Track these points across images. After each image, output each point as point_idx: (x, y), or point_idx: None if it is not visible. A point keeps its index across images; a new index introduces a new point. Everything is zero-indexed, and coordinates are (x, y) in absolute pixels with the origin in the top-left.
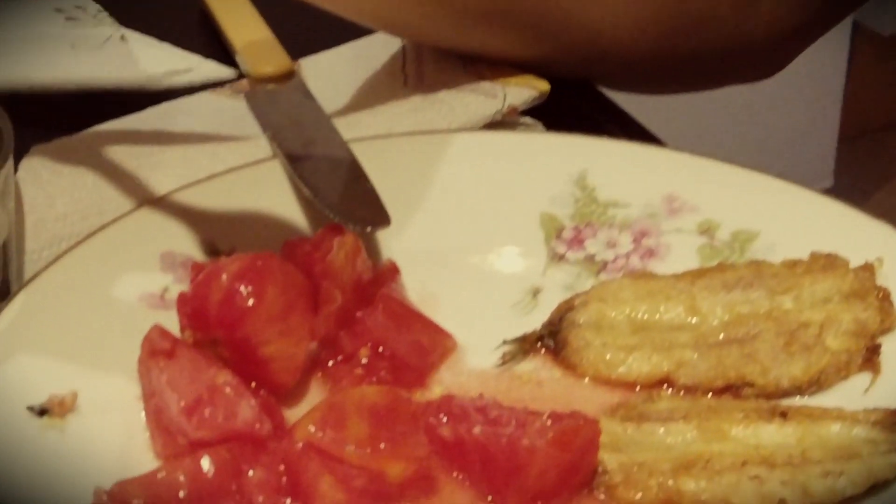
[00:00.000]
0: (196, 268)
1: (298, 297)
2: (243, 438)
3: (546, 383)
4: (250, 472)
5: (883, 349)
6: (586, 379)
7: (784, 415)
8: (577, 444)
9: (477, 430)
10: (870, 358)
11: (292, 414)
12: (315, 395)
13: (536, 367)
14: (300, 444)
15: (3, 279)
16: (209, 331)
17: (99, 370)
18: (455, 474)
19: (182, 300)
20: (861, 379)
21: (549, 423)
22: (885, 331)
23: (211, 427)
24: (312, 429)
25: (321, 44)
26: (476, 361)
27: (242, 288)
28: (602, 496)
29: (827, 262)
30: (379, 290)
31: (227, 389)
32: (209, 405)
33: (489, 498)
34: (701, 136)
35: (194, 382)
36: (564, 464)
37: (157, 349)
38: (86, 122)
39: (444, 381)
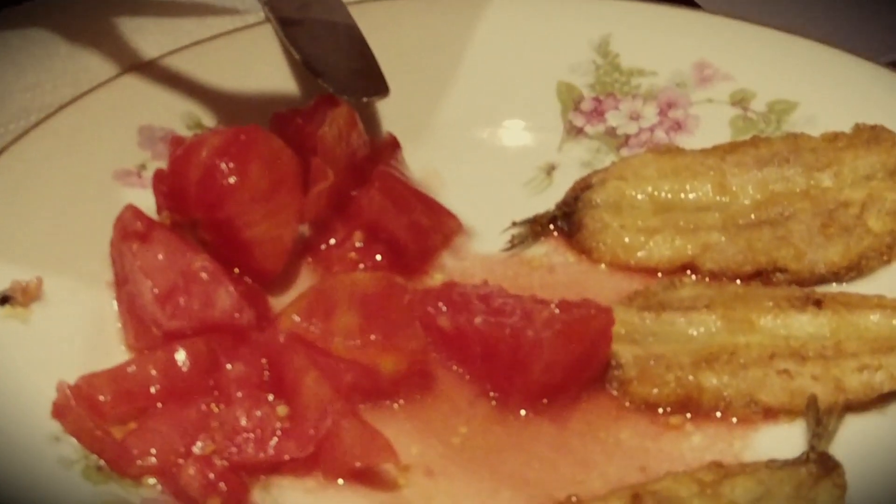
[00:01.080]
0: (175, 142)
1: (286, 175)
2: (222, 329)
3: (558, 269)
4: (229, 366)
5: None
6: (602, 265)
7: (818, 303)
8: (587, 336)
9: (478, 320)
10: None
11: (279, 303)
12: (304, 282)
13: (548, 251)
14: (284, 336)
15: None
16: (188, 211)
17: (67, 254)
18: (454, 369)
19: (158, 177)
20: None
21: (557, 312)
22: None
23: (186, 316)
24: (297, 319)
25: None
26: (482, 245)
27: (224, 164)
28: (615, 392)
29: (872, 136)
30: (376, 167)
31: (204, 275)
32: (185, 293)
33: (491, 394)
34: None
35: (170, 268)
36: (573, 357)
37: (130, 231)
38: None
39: (446, 268)
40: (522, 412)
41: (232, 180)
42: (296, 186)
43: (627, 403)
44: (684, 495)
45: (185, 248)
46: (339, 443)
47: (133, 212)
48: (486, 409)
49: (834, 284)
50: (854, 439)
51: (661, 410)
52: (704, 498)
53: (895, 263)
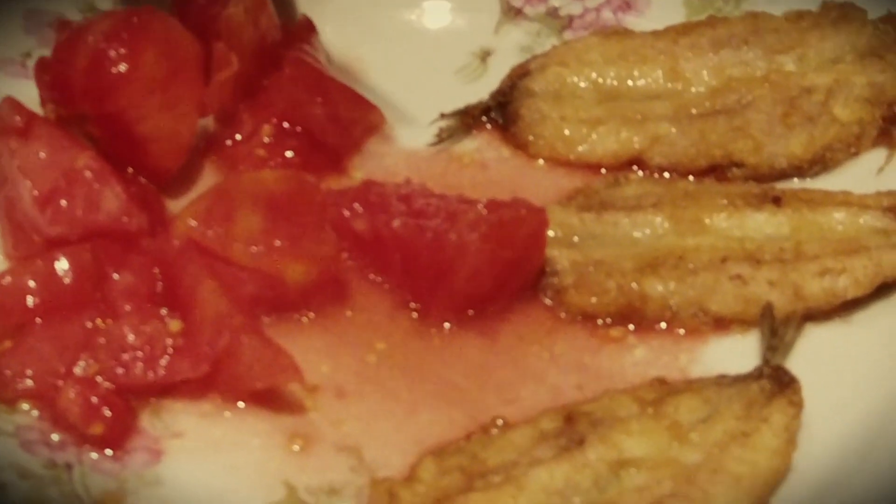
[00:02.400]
0: (61, 26)
1: (185, 62)
2: (109, 235)
3: (491, 165)
4: (116, 277)
5: None
6: (540, 160)
7: (777, 200)
8: (518, 239)
9: (397, 223)
10: (886, 130)
11: (178, 206)
12: (207, 183)
13: (480, 146)
14: (178, 242)
15: None
16: (74, 104)
17: None
18: (371, 278)
19: (41, 66)
20: (874, 156)
21: (484, 213)
22: None
23: (69, 221)
24: (194, 223)
25: None
26: (407, 140)
27: (114, 50)
28: (549, 302)
29: (840, 14)
30: (288, 53)
31: (89, 174)
32: (68, 194)
33: (412, 306)
34: None
35: (52, 167)
36: (502, 263)
37: (8, 126)
38: None
39: (366, 165)
40: (446, 325)
41: (122, 68)
42: (196, 75)
43: (563, 314)
44: (622, 415)
45: (70, 144)
46: (237, 361)
47: (11, 105)
48: (405, 323)
49: (795, 180)
50: (814, 352)
51: (600, 322)
52: (644, 418)
53: (863, 156)
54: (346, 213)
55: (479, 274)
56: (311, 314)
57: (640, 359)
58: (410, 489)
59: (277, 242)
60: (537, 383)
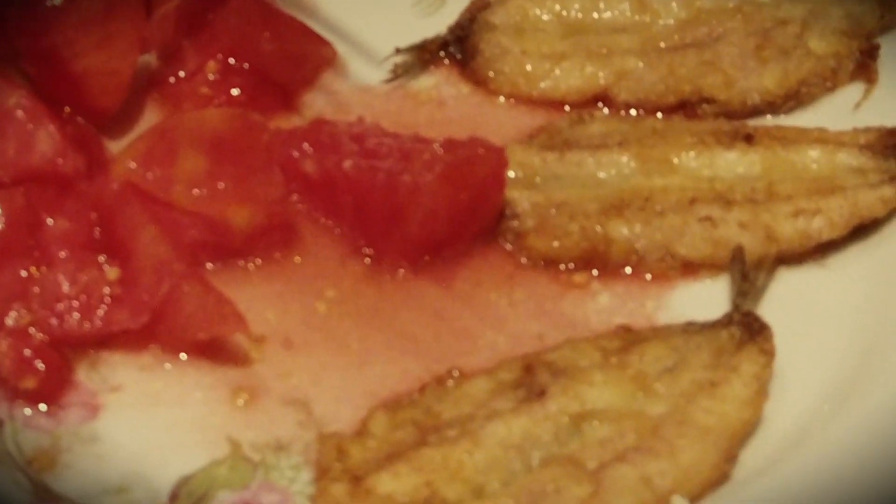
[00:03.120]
0: None
1: None
2: (43, 178)
3: (449, 103)
4: (50, 222)
5: (882, 52)
6: (500, 97)
7: (749, 138)
8: (475, 180)
9: (348, 164)
10: (864, 63)
11: (119, 148)
12: (149, 122)
13: (438, 82)
14: (116, 185)
15: None
16: (6, 40)
17: None
18: (321, 222)
19: None
20: (851, 91)
21: (440, 152)
22: (885, 28)
23: (0, 164)
24: (133, 165)
25: None
26: (361, 76)
27: None
28: (509, 246)
29: None
30: None
31: (21, 114)
32: None
33: (364, 251)
34: None
35: None
36: (459, 205)
37: None
38: None
39: (317, 103)
40: (400, 272)
41: (57, 1)
42: (136, 9)
43: (524, 259)
44: (585, 365)
45: (2, 83)
46: (179, 311)
47: None
48: (357, 269)
49: (768, 116)
50: (787, 297)
51: (562, 267)
52: (608, 368)
53: (839, 91)
54: (295, 153)
55: (435, 217)
56: (258, 261)
57: (604, 305)
58: (360, 444)
59: (221, 185)
60: (496, 332)
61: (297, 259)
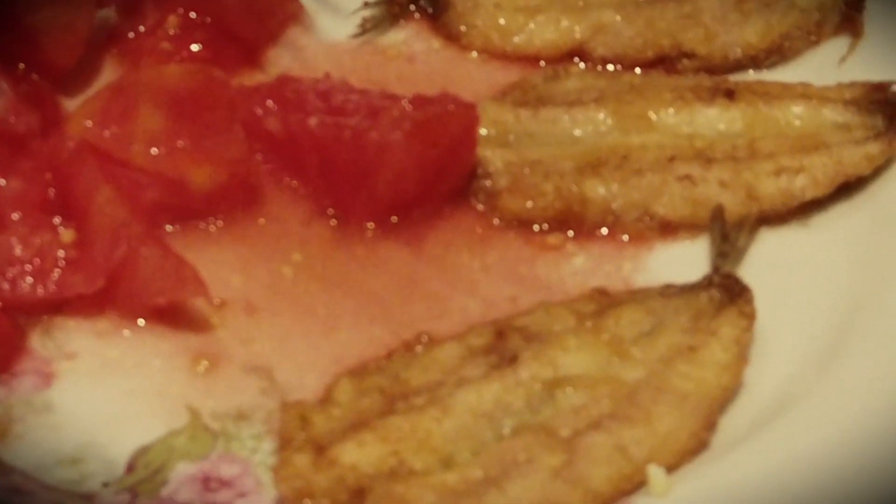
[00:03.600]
0: None
1: None
2: None
3: (419, 58)
4: (2, 182)
5: (868, 4)
6: (473, 52)
7: (730, 94)
8: (446, 138)
9: (314, 121)
10: (849, 16)
11: (76, 106)
12: (108, 79)
13: (408, 37)
14: (72, 144)
15: None
16: None
17: None
18: (286, 182)
19: None
20: (836, 45)
21: (409, 109)
22: None
23: None
24: (89, 123)
25: None
26: (328, 31)
27: None
28: (481, 207)
29: None
30: None
31: None
32: None
33: (330, 212)
34: None
35: None
36: (429, 164)
37: None
38: None
39: (282, 59)
40: (368, 234)
41: None
42: None
43: (497, 220)
44: (559, 330)
45: None
46: (136, 275)
47: None
48: (324, 231)
49: (750, 71)
50: (769, 258)
51: (536, 228)
52: (582, 333)
53: (824, 45)
54: (259, 111)
55: (404, 176)
56: (219, 222)
57: (579, 268)
58: (324, 413)
59: (181, 144)
60: (467, 296)
61: (261, 221)
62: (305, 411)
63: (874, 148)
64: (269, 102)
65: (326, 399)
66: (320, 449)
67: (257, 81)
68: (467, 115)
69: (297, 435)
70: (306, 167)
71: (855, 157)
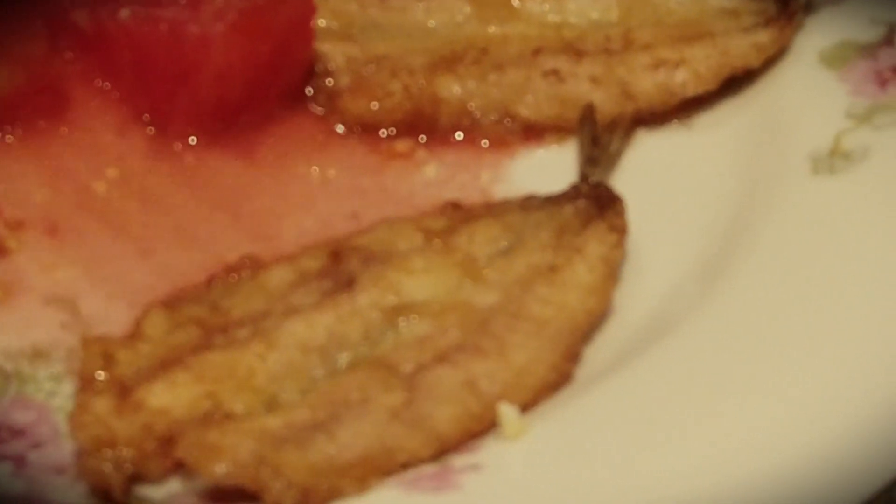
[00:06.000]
0: None
1: None
2: None
3: None
4: None
5: None
6: None
7: None
8: (277, 30)
9: (125, 13)
10: None
11: None
12: None
13: None
14: None
15: None
16: None
17: None
18: (97, 84)
19: None
20: None
21: None
22: None
23: None
24: None
25: None
26: None
27: None
28: (319, 110)
29: None
30: None
31: None
32: None
33: (146, 119)
34: None
35: None
36: (258, 61)
37: None
38: None
39: None
40: (190, 143)
41: None
42: None
43: (338, 126)
44: (403, 249)
45: None
46: None
47: None
48: (139, 141)
49: None
50: (645, 164)
51: (383, 133)
52: (430, 253)
53: None
54: (64, 2)
55: (229, 75)
56: (19, 131)
57: (431, 178)
58: (131, 349)
59: None
60: (303, 213)
61: (68, 130)
62: (109, 347)
63: (764, 36)
64: None
65: (135, 333)
66: (125, 391)
67: None
68: (303, 3)
69: (98, 375)
70: (118, 67)
71: (742, 48)
